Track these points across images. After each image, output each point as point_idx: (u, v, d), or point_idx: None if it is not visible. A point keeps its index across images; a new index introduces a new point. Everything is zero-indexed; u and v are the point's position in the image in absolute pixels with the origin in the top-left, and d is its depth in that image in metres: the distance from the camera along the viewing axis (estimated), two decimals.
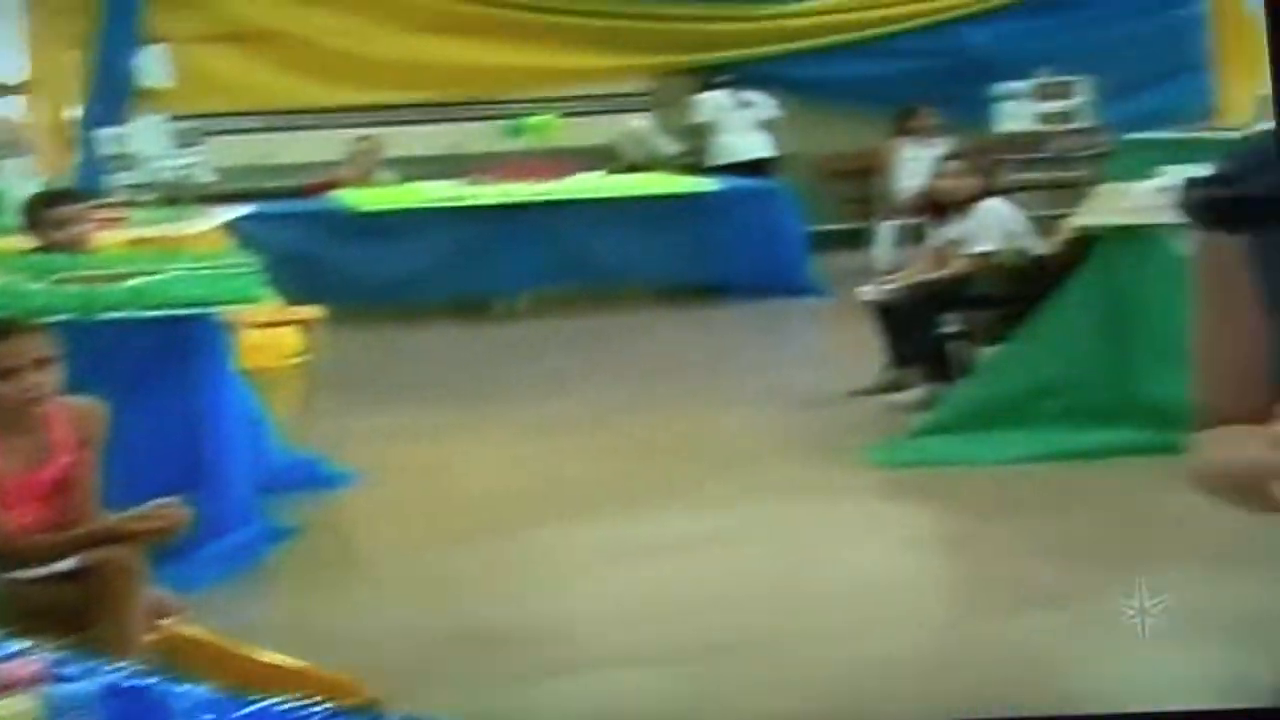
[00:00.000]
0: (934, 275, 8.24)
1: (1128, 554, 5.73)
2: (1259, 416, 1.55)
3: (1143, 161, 9.04)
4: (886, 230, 12.55)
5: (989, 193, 8.33)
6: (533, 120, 14.08)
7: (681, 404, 8.55)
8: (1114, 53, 14.33)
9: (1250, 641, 4.15)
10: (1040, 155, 13.92)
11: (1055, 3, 14.86)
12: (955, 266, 8.15)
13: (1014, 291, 7.70)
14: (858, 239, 13.25)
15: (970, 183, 8.21)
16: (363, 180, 12.66)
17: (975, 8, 14.83)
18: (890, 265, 10.53)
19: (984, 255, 8.03)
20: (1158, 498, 5.58)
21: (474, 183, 12.32)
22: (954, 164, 8.41)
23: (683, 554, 6.00)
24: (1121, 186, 8.33)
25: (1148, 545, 5.78)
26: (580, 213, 12.03)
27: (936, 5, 14.82)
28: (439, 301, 11.81)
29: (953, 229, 8.24)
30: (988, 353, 7.67)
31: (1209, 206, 1.73)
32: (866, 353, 8.25)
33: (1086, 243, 7.39)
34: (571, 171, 12.62)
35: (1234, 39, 15.00)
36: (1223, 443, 1.73)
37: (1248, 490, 1.57)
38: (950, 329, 7.85)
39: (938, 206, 8.38)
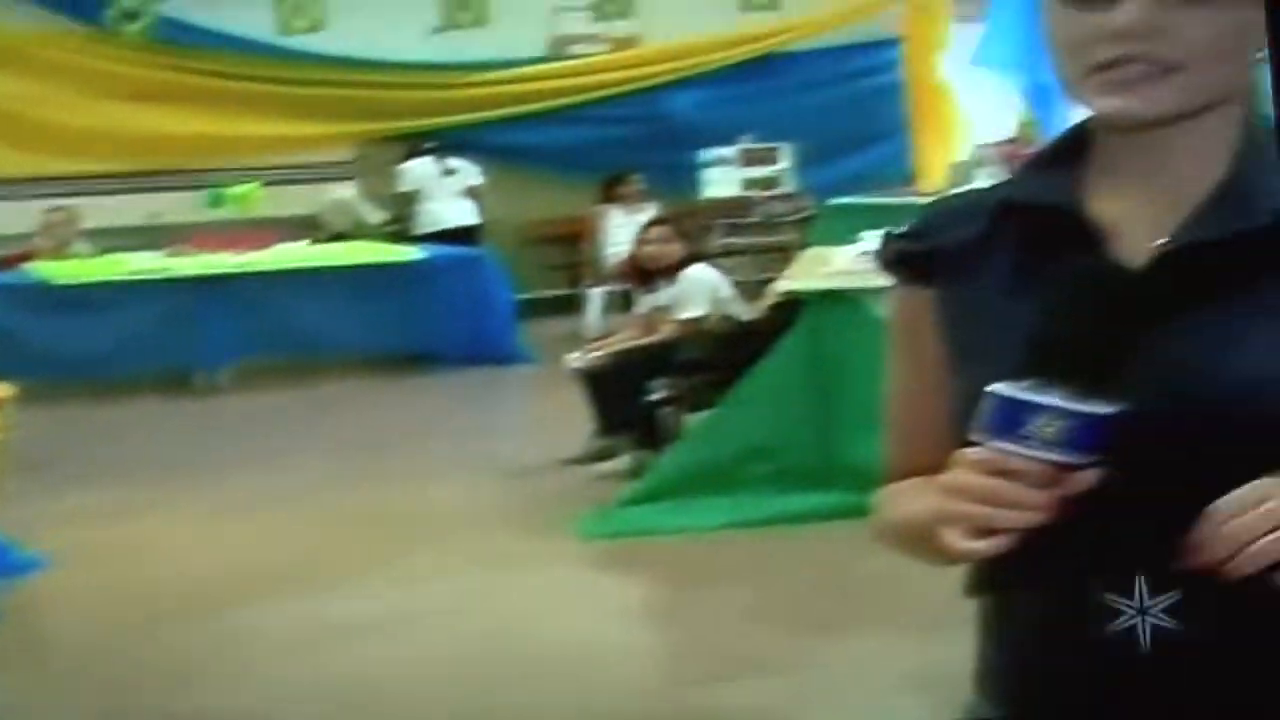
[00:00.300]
0: (642, 341, 8.23)
1: (834, 618, 5.75)
2: (944, 470, 1.54)
3: (845, 226, 9.19)
4: (595, 297, 12.58)
5: (695, 258, 8.36)
6: (234, 190, 13.84)
7: (389, 476, 8.38)
8: (815, 119, 14.63)
9: (948, 702, 4.16)
10: (746, 220, 14.11)
11: (757, 70, 15.11)
12: (663, 332, 8.15)
13: (722, 357, 7.71)
14: (567, 306, 13.27)
15: (675, 248, 8.22)
16: (59, 252, 12.25)
17: (678, 75, 14.99)
18: (600, 332, 10.53)
19: (691, 321, 8.04)
20: (863, 560, 5.60)
21: (174, 254, 12.04)
22: (658, 230, 8.43)
23: (391, 630, 5.85)
24: (825, 251, 8.43)
25: (854, 608, 5.80)
26: (284, 283, 11.80)
27: (638, 73, 14.96)
28: (140, 375, 11.46)
29: (660, 295, 8.24)
30: (696, 419, 7.66)
31: (902, 259, 1.78)
32: (576, 421, 8.17)
33: (792, 307, 7.43)
34: (274, 241, 12.43)
35: (928, 106, 15.44)
36: (900, 497, 1.77)
37: (925, 542, 1.57)
38: (659, 395, 7.81)
39: (644, 273, 8.37)
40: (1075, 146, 1.71)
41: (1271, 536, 1.43)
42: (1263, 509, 1.44)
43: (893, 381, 1.84)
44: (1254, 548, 1.43)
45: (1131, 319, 1.52)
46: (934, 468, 1.59)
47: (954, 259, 1.72)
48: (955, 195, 1.89)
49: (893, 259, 1.80)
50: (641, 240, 8.43)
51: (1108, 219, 1.63)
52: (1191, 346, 1.55)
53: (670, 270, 8.18)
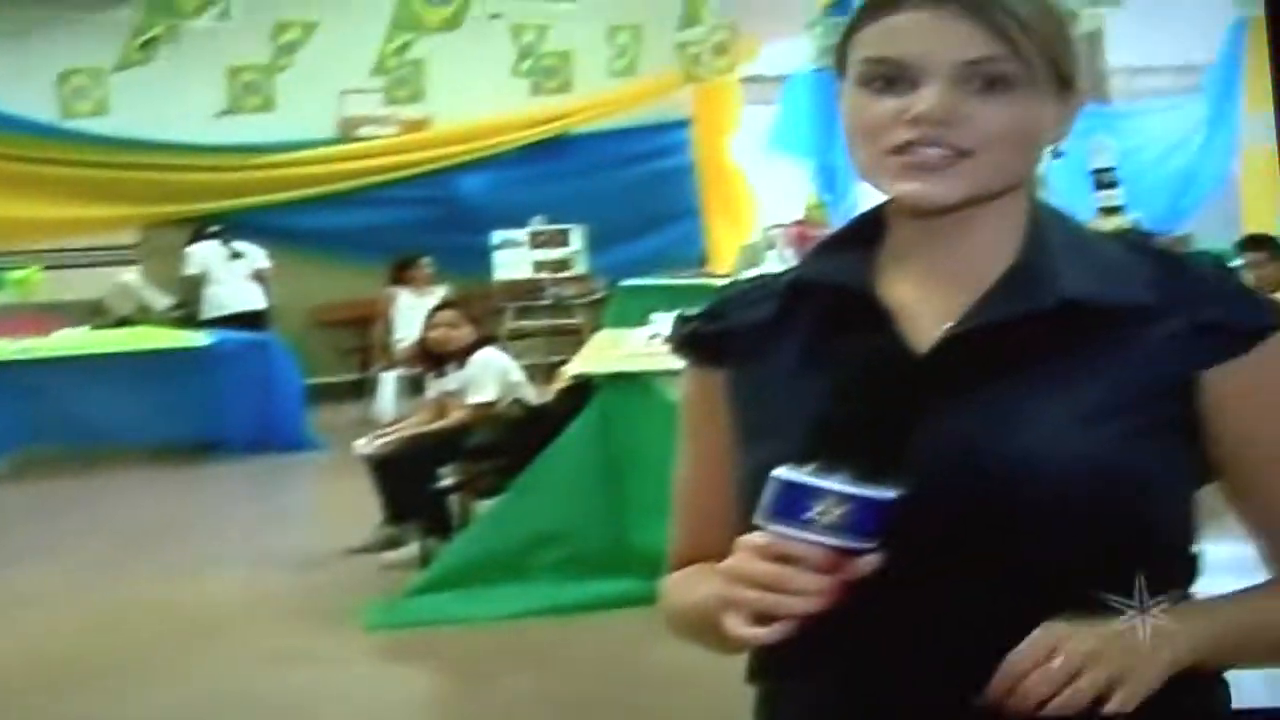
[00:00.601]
0: (431, 427, 8.13)
1: (625, 707, 5.67)
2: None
3: (637, 308, 9.19)
4: (386, 381, 12.43)
5: (485, 342, 8.28)
6: (13, 274, 13.48)
7: (171, 567, 8.14)
8: (607, 200, 14.69)
9: None
10: (537, 303, 14.10)
11: (548, 152, 15.13)
12: (453, 418, 8.05)
13: (512, 442, 7.62)
14: (357, 391, 13.12)
15: (464, 332, 8.14)
16: None
17: (469, 157, 14.95)
18: (391, 417, 10.41)
19: (482, 405, 7.95)
20: (655, 648, 5.55)
21: None
22: (446, 314, 8.33)
23: None
24: (616, 333, 8.42)
25: (646, 697, 5.72)
26: (66, 370, 11.50)
27: (429, 154, 14.92)
28: None
29: (450, 380, 8.15)
30: (485, 506, 7.56)
31: (694, 341, 1.80)
32: (365, 508, 8.01)
33: (583, 391, 7.38)
34: (56, 327, 12.11)
35: (719, 188, 15.58)
36: (685, 583, 1.79)
37: (710, 629, 1.57)
38: (448, 482, 7.71)
39: (434, 357, 8.27)
40: (869, 230, 1.73)
41: (1070, 690, 1.45)
42: (1055, 663, 1.45)
43: (682, 465, 1.84)
44: (1055, 703, 1.45)
45: (915, 401, 1.54)
46: (722, 552, 1.57)
47: (746, 340, 1.73)
48: (750, 278, 1.90)
49: (684, 340, 1.81)
50: (430, 324, 8.33)
51: (898, 301, 1.65)
52: (974, 427, 1.56)
53: (460, 354, 8.09)
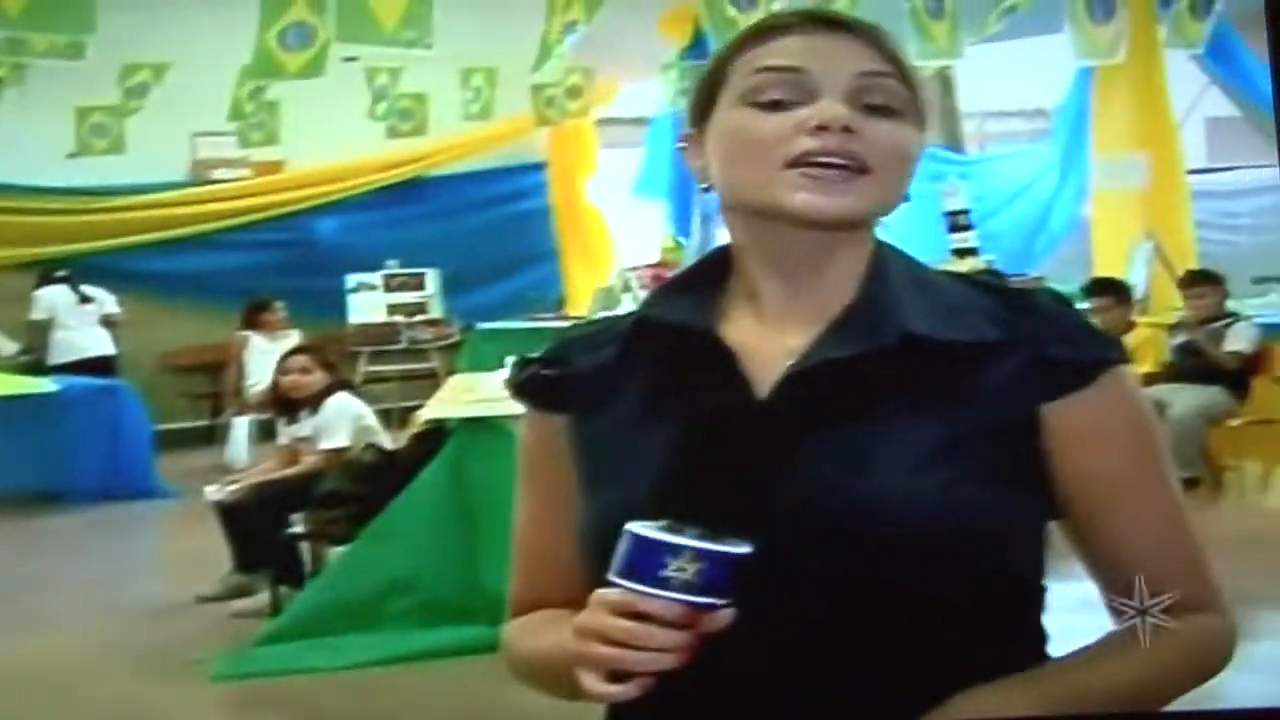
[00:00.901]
0: (282, 473, 8.02)
1: None
2: (576, 604, 1.53)
3: (493, 352, 9.14)
4: (239, 427, 12.26)
5: (338, 387, 8.17)
6: None
7: (10, 622, 7.91)
8: (463, 243, 14.67)
9: None
10: (392, 347, 14.00)
11: (403, 194, 15.07)
12: (305, 464, 7.94)
13: (364, 488, 7.52)
14: (209, 437, 12.93)
15: (316, 377, 8.03)
16: None
17: (323, 200, 14.84)
18: (244, 463, 10.28)
19: (334, 451, 7.84)
20: (509, 695, 5.46)
21: None
22: (298, 359, 8.22)
23: None
24: (471, 378, 8.35)
25: None
26: None
27: (282, 197, 14.78)
28: None
29: (303, 425, 8.04)
30: (336, 553, 7.45)
31: (534, 386, 1.79)
32: (215, 557, 7.87)
33: (437, 436, 7.31)
34: None
35: (577, 231, 15.61)
36: (530, 631, 1.78)
37: (559, 678, 1.57)
38: (298, 529, 7.59)
39: (286, 402, 8.16)
40: (714, 270, 1.72)
41: None
42: None
43: (522, 510, 1.84)
44: None
45: (759, 442, 1.51)
46: (563, 598, 1.62)
47: (588, 385, 1.73)
48: (591, 321, 1.91)
49: (524, 385, 1.81)
50: (282, 369, 8.22)
51: (743, 341, 1.64)
52: (820, 470, 1.55)
53: (313, 400, 7.99)
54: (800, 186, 1.58)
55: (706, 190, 1.71)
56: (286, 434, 8.26)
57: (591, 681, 1.47)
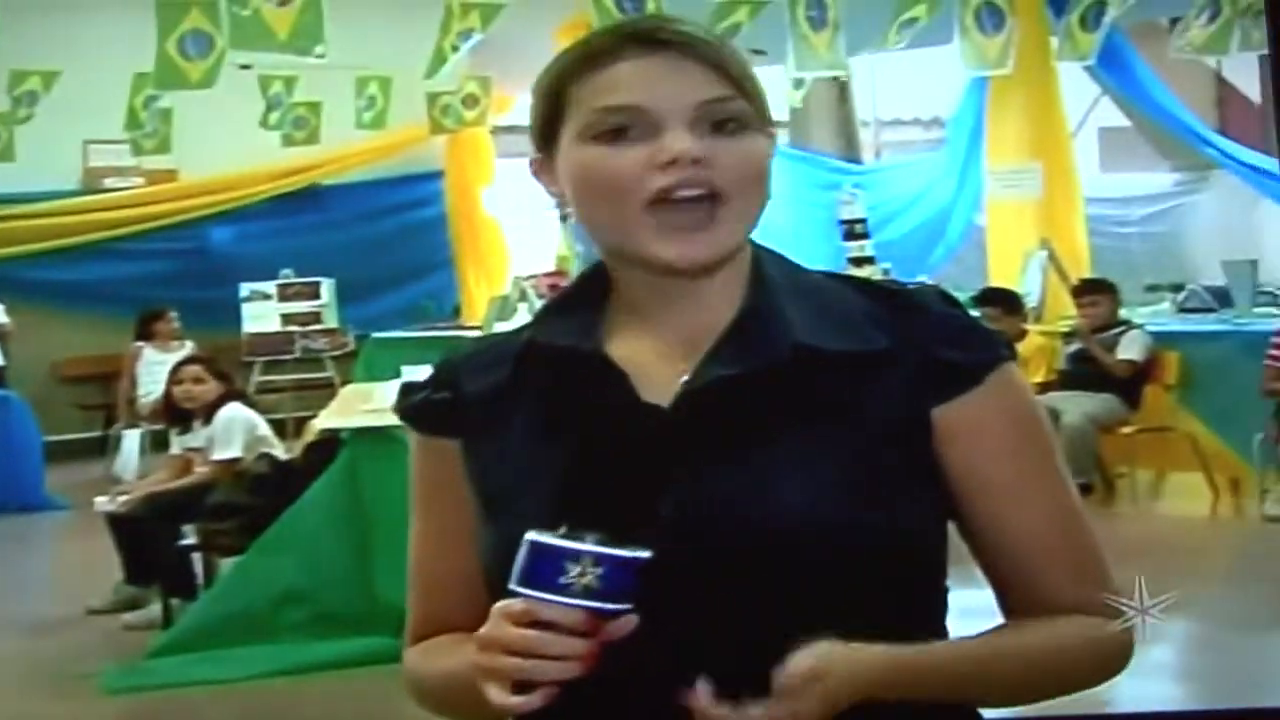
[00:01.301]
0: (174, 484, 7.92)
1: None
2: (476, 624, 1.51)
3: (388, 361, 9.09)
4: (131, 438, 12.11)
5: (230, 397, 8.09)
6: None
7: None
8: (359, 252, 14.60)
9: None
10: (286, 356, 13.90)
11: (299, 203, 14.98)
12: (198, 474, 7.85)
13: (259, 499, 7.44)
14: (101, 448, 12.77)
15: (209, 388, 7.94)
16: None
17: (217, 208, 14.71)
18: (135, 474, 10.15)
19: (227, 462, 7.75)
20: (404, 706, 5.41)
21: None
22: (192, 369, 8.13)
23: None
24: (365, 387, 8.30)
25: None
26: None
27: (176, 206, 14.65)
28: None
29: (196, 436, 7.95)
30: (229, 564, 7.37)
31: (424, 411, 1.75)
32: (106, 569, 7.77)
33: (331, 446, 7.25)
34: None
35: (473, 240, 15.57)
36: (435, 654, 1.74)
37: (462, 698, 1.56)
38: (190, 540, 7.50)
39: (178, 413, 8.07)
40: (596, 288, 1.70)
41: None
42: (818, 689, 1.47)
43: (416, 537, 1.79)
44: None
45: (657, 460, 1.54)
46: (463, 624, 1.59)
47: (479, 407, 1.69)
48: (477, 341, 1.87)
49: (413, 411, 1.76)
50: (174, 379, 8.12)
51: (632, 360, 1.64)
52: (720, 490, 1.54)
53: (205, 410, 7.89)
54: (664, 236, 1.56)
55: (565, 219, 1.70)
56: (179, 444, 8.17)
57: (495, 693, 1.46)
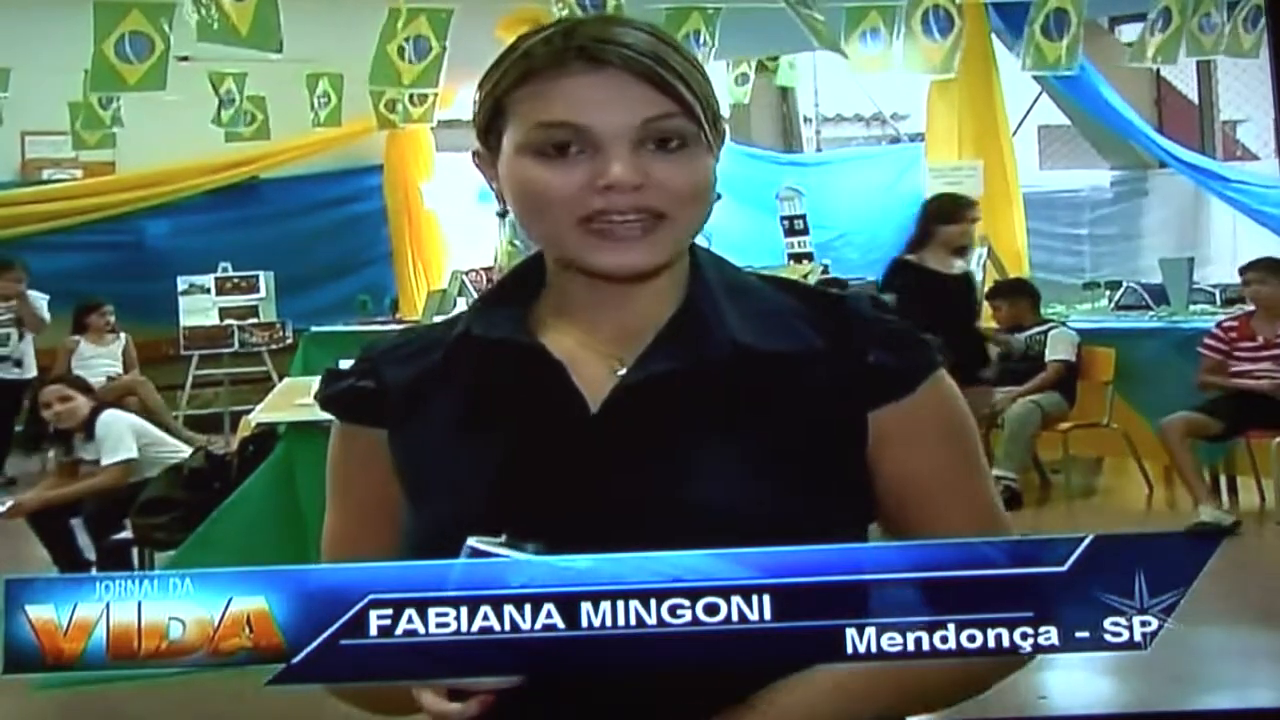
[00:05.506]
0: (69, 490, 7.77)
1: None
2: None
3: (326, 355, 9.03)
4: None
5: (101, 406, 7.96)
6: None
7: None
8: (297, 246, 14.55)
9: None
10: (224, 350, 13.83)
11: (238, 197, 14.91)
12: (98, 480, 7.69)
13: (193, 493, 7.38)
14: (35, 444, 12.64)
15: (79, 403, 7.81)
16: None
17: (155, 201, 14.61)
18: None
19: (126, 463, 7.65)
20: (335, 703, 5.38)
21: None
22: (55, 389, 7.95)
23: None
24: (301, 381, 8.24)
25: None
26: None
27: (114, 199, 14.54)
28: None
29: (86, 450, 7.83)
30: (166, 558, 7.31)
31: (347, 399, 1.75)
32: (35, 565, 7.67)
33: (267, 440, 7.21)
34: None
35: (412, 234, 15.54)
36: None
37: (379, 695, 1.60)
38: (122, 536, 7.43)
39: (57, 434, 7.95)
40: (529, 281, 1.72)
41: None
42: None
43: (332, 522, 1.79)
44: None
45: (594, 459, 1.55)
46: None
47: (407, 397, 1.70)
48: (405, 331, 1.85)
49: (336, 398, 1.76)
50: (43, 404, 7.96)
51: (569, 353, 1.64)
52: (653, 485, 1.55)
53: (82, 426, 7.78)
54: (597, 246, 1.58)
55: (504, 214, 1.69)
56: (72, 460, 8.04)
57: (431, 700, 1.45)
